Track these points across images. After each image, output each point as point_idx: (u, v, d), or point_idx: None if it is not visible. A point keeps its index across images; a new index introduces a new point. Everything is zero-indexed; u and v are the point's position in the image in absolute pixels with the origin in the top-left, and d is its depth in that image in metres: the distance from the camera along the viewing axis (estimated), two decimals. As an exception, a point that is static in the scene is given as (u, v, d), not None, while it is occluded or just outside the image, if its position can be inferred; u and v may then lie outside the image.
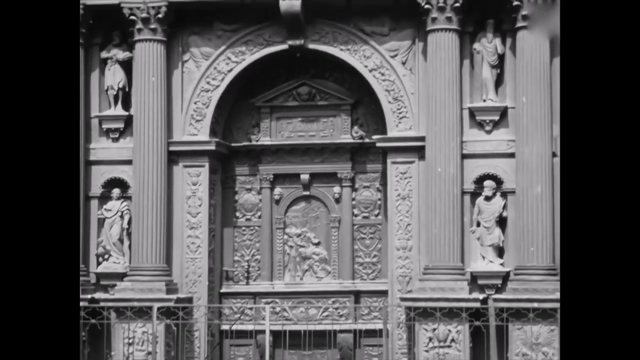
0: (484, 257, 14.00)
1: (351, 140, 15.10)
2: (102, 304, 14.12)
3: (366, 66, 14.49)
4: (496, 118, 14.04)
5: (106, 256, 14.72)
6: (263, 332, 13.77)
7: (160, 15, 14.32)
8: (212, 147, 14.72)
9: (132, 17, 14.34)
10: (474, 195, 14.06)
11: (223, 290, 15.23)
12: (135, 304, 13.91)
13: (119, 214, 14.71)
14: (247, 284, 15.30)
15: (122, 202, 14.72)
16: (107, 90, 14.81)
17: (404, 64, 14.40)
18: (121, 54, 14.76)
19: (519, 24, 13.70)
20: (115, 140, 14.84)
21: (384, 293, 14.66)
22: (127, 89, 14.78)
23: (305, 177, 15.21)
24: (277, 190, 15.34)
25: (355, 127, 15.18)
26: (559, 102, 13.52)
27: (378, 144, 14.53)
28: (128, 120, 14.71)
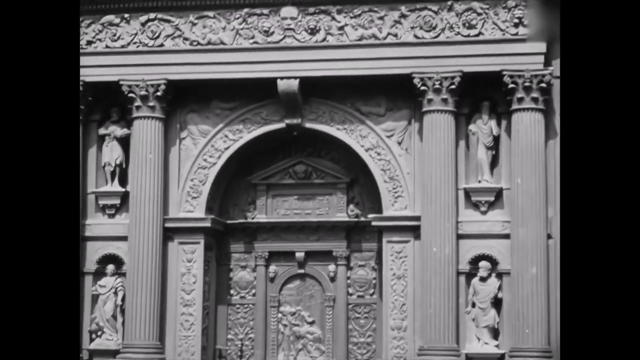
0: (479, 339, 13.92)
1: (347, 219, 15.13)
2: (94, 381, 14.01)
3: (362, 145, 14.59)
4: (491, 199, 14.09)
5: (99, 333, 14.62)
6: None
7: (159, 93, 14.46)
8: (208, 224, 14.73)
9: (131, 95, 14.48)
10: (469, 275, 14.03)
11: (216, 368, 15.12)
12: (128, 381, 13.79)
13: (113, 290, 14.65)
14: (241, 362, 15.19)
15: (116, 279, 14.67)
16: (104, 167, 14.87)
17: (400, 144, 14.50)
18: (119, 131, 14.85)
19: (514, 106, 13.84)
20: (111, 216, 14.85)
21: (378, 373, 14.56)
22: (124, 166, 14.85)
23: (300, 254, 15.19)
24: (272, 267, 15.30)
25: (351, 206, 15.22)
26: (554, 183, 13.72)
27: (374, 223, 14.54)
28: (124, 197, 14.74)
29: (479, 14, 13.95)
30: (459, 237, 13.98)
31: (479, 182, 14.16)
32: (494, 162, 14.20)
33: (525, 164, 13.69)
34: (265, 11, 14.41)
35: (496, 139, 14.17)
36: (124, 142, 14.82)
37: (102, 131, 14.93)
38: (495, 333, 13.93)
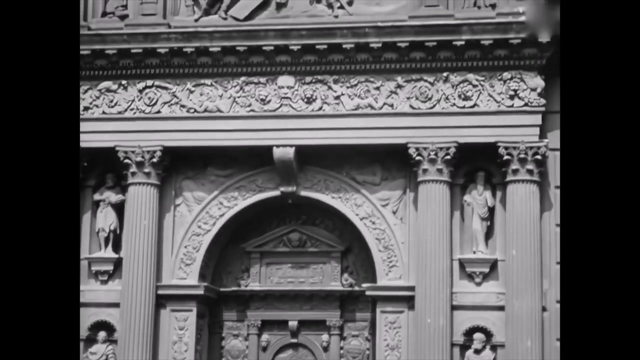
0: (473, 411, 13.78)
1: (341, 288, 15.04)
2: None
3: (357, 214, 14.57)
4: (486, 270, 14.03)
5: (90, 402, 14.46)
6: None
7: (154, 160, 14.47)
8: (201, 292, 14.63)
9: (127, 161, 14.48)
10: (464, 347, 13.91)
11: None
12: None
13: (104, 357, 14.49)
14: None
15: (107, 346, 14.52)
16: (98, 233, 14.81)
17: (394, 213, 14.49)
18: (114, 197, 14.83)
19: (509, 177, 13.87)
20: (104, 282, 14.76)
21: None
22: (118, 232, 14.79)
23: (293, 323, 15.07)
24: (265, 336, 15.17)
25: (345, 275, 15.15)
26: (549, 255, 13.71)
27: (368, 293, 14.46)
28: (117, 263, 14.66)
29: (475, 86, 14.04)
30: (454, 308, 13.89)
31: (474, 253, 14.11)
32: (489, 233, 14.18)
33: (520, 235, 13.67)
34: (263, 80, 14.50)
35: (491, 210, 14.17)
36: (119, 208, 14.79)
37: (97, 197, 14.91)
38: (489, 406, 13.80)
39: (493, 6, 14.08)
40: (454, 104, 14.08)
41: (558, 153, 13.67)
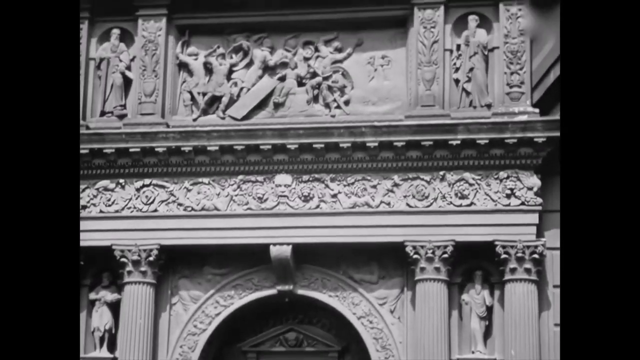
0: None
1: (337, 388, 14.89)
2: None
3: (354, 313, 14.46)
4: (485, 371, 13.90)
5: None
6: None
7: (151, 258, 14.42)
8: (196, 392, 14.47)
9: (123, 259, 14.43)
10: None
11: None
12: None
13: None
14: None
15: None
16: (93, 332, 14.65)
17: (392, 312, 14.38)
18: (109, 296, 14.72)
19: (507, 276, 13.82)
20: (99, 383, 14.58)
21: None
22: (113, 331, 14.65)
23: None
24: None
25: (343, 375, 15.01)
26: (549, 355, 13.58)
27: (366, 393, 14.30)
28: (112, 363, 14.53)
29: (471, 184, 14.09)
30: (454, 407, 13.73)
31: (472, 352, 13.96)
32: (487, 333, 14.05)
33: (519, 335, 13.56)
34: (260, 178, 14.55)
35: (489, 309, 14.07)
36: (114, 307, 14.67)
37: (92, 296, 14.78)
38: None
39: (489, 106, 14.25)
40: (451, 203, 14.11)
41: (555, 252, 13.68)
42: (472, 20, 14.47)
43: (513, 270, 13.77)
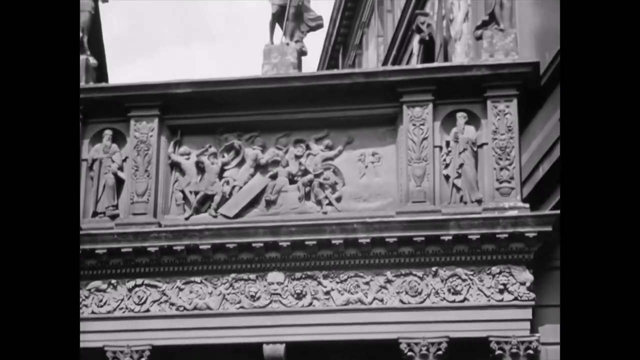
0: None
1: None
2: None
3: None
4: None
5: None
6: None
7: (143, 359, 14.31)
8: None
9: (116, 360, 14.35)
10: None
11: None
12: None
13: None
14: None
15: None
16: None
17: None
18: (102, 397, 14.59)
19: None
20: None
21: None
22: None
23: None
24: None
25: None
26: None
27: None
28: None
29: (464, 280, 14.08)
30: None
31: None
32: None
33: None
34: (252, 276, 14.53)
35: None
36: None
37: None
38: None
39: (479, 202, 14.33)
40: (444, 299, 14.08)
41: (549, 347, 13.60)
42: (461, 117, 14.64)
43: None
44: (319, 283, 14.40)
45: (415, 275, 14.21)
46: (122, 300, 14.59)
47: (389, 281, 14.26)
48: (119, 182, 15.13)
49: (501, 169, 14.34)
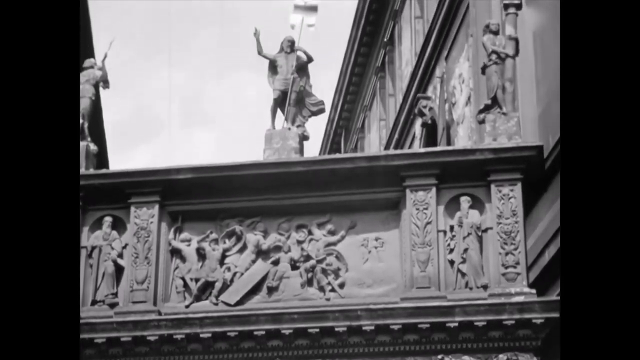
0: None
1: None
2: None
3: None
4: None
5: None
6: None
7: None
8: None
9: None
10: None
11: None
12: None
13: None
14: None
15: None
16: None
17: None
18: None
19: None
20: None
21: None
22: None
23: None
24: None
25: None
26: None
27: None
28: None
29: (471, 370, 13.81)
30: None
31: None
32: None
33: None
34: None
35: None
36: None
37: None
38: None
39: (485, 287, 14.09)
40: (454, 370, 13.78)
41: None
42: (465, 201, 14.48)
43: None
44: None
45: (418, 379, 13.89)
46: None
47: (391, 377, 13.95)
48: (119, 270, 14.91)
49: (507, 253, 14.12)
